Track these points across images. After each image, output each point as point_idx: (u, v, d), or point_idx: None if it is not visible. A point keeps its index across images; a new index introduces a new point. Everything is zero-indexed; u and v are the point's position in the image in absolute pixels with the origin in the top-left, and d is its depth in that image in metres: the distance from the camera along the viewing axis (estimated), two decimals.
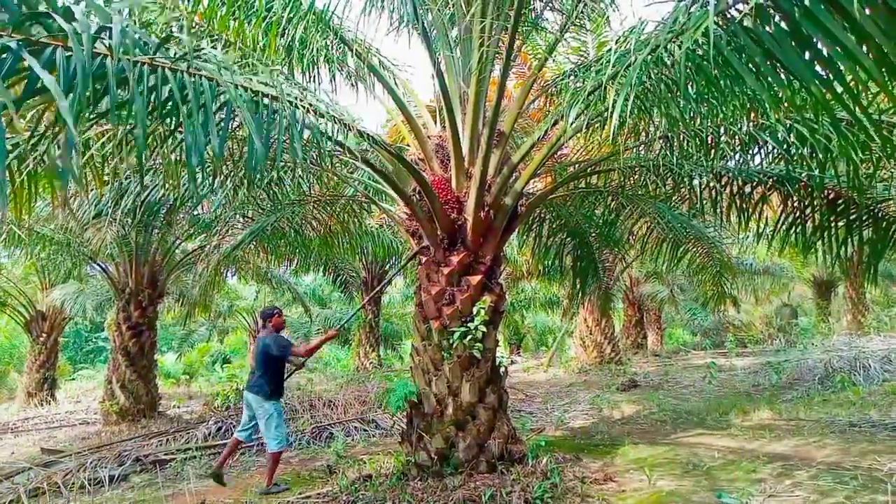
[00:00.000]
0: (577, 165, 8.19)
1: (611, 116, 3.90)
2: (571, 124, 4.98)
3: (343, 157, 8.30)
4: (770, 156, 6.26)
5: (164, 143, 4.36)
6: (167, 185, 7.51)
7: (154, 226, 11.78)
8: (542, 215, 9.44)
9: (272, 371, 6.93)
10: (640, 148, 7.13)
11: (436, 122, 7.75)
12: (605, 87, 4.45)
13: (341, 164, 8.84)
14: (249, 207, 8.90)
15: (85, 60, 3.04)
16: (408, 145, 7.81)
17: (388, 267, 20.26)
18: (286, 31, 6.37)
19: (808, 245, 6.53)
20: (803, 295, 29.04)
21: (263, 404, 6.84)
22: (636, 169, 7.59)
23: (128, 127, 4.24)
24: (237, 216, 9.24)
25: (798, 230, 6.66)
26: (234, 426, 9.54)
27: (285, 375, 7.16)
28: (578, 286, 10.57)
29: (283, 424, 6.87)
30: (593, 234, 9.85)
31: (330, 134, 4.94)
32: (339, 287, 20.27)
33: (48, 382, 17.51)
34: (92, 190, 8.25)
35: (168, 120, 3.84)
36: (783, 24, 3.29)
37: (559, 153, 9.02)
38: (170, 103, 3.63)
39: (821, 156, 5.56)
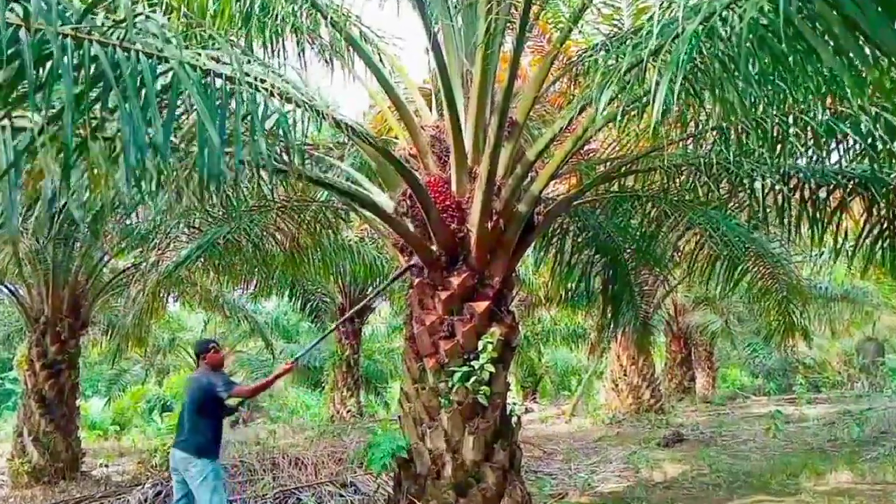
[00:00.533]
0: (608, 164, 8.21)
1: (652, 102, 3.89)
2: (602, 112, 4.98)
3: (316, 153, 8.29)
4: (851, 152, 6.26)
5: (92, 136, 4.35)
6: (94, 188, 7.50)
7: (76, 238, 11.76)
8: (565, 226, 9.46)
9: (207, 420, 6.68)
10: (688, 142, 7.14)
11: (431, 109, 7.78)
12: (646, 65, 4.45)
13: (312, 162, 8.84)
14: (197, 215, 8.89)
15: None
16: (396, 138, 7.83)
17: (370, 290, 20.27)
18: None
19: None
20: (892, 327, 29.02)
21: (195, 463, 6.53)
22: (683, 168, 7.60)
23: (48, 116, 4.23)
24: (181, 226, 9.23)
25: (886, 245, 6.65)
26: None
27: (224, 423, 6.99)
28: (610, 315, 10.56)
29: (222, 490, 6.57)
30: (628, 250, 9.87)
31: (300, 122, 4.93)
32: (309, 315, 20.24)
33: None
34: None
35: (98, 107, 3.83)
36: None
37: (586, 148, 9.04)
38: (99, 85, 3.62)
39: None
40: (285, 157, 7.13)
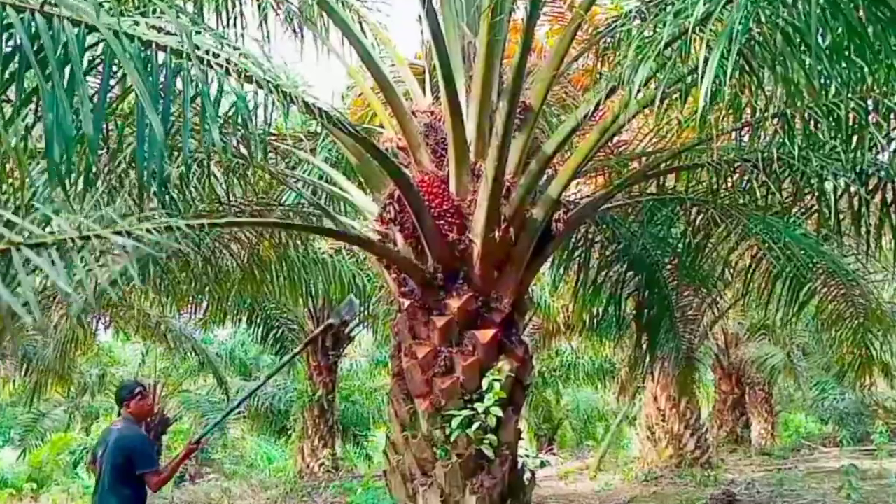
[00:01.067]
0: (644, 159, 8.22)
1: (699, 82, 3.90)
2: (637, 94, 4.97)
3: (282, 145, 8.29)
4: None
5: (5, 125, 4.33)
6: (5, 187, 7.49)
7: None
8: (591, 236, 9.48)
9: (129, 485, 6.73)
10: (743, 133, 7.14)
11: (425, 91, 7.78)
12: (691, 37, 4.45)
13: (277, 156, 8.83)
14: (134, 222, 8.88)
15: None
16: (381, 126, 7.83)
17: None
18: None
19: None
20: None
21: None
22: (736, 165, 7.60)
23: None
24: (114, 235, 9.22)
25: None
26: None
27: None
28: (645, 347, 10.57)
29: None
30: (669, 267, 9.89)
31: (262, 107, 4.93)
32: (273, 346, 20.16)
33: None
34: None
35: (13, 88, 3.81)
36: None
37: (616, 140, 9.03)
38: (15, 61, 3.61)
39: None
40: (244, 150, 7.15)
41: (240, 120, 4.57)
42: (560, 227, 7.28)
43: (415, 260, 6.83)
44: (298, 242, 9.96)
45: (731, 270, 10.06)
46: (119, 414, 7.07)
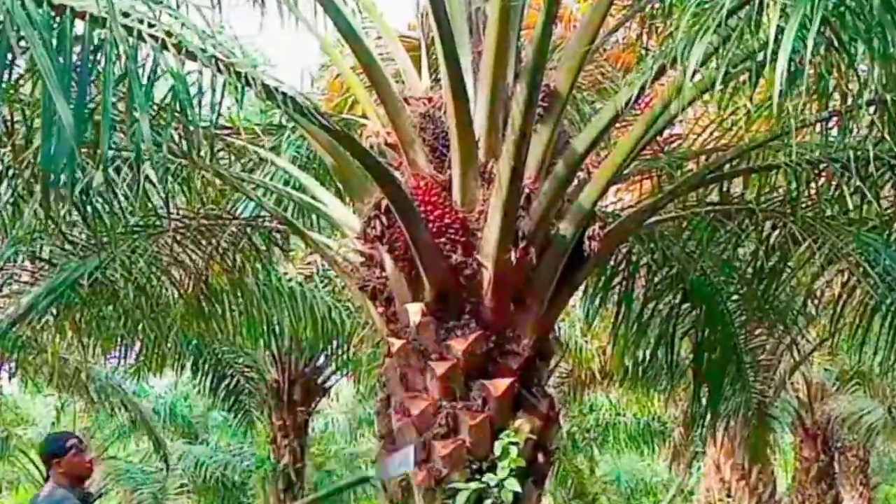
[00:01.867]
0: (703, 159, 8.21)
1: (771, 60, 3.87)
2: (692, 76, 4.96)
3: (236, 140, 8.28)
4: None
5: None
6: None
7: None
8: (635, 258, 9.45)
9: None
10: (830, 125, 7.13)
11: (420, 72, 7.77)
12: (762, 1, 4.43)
13: (230, 156, 8.82)
14: (47, 240, 8.85)
15: None
16: (364, 117, 7.82)
17: (322, 361, 20.20)
18: None
19: None
20: None
21: None
22: (822, 166, 7.59)
23: None
24: (20, 258, 9.18)
25: None
26: None
27: None
28: (704, 400, 10.54)
29: None
30: (735, 298, 9.88)
31: (209, 92, 4.91)
32: (225, 401, 20.15)
33: None
34: None
35: None
36: None
37: (667, 134, 9.01)
38: None
39: None
40: (186, 148, 7.14)
41: (178, 107, 4.54)
42: (595, 247, 7.21)
43: (408, 288, 6.83)
44: (258, 266, 9.92)
45: (816, 302, 10.03)
46: (47, 477, 7.02)
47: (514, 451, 6.40)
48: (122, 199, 8.15)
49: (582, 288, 9.10)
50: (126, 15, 4.25)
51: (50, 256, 9.14)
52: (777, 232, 8.77)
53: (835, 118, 6.96)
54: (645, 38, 8.55)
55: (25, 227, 8.25)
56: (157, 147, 5.71)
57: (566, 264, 6.99)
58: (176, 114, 4.70)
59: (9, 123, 5.87)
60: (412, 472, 6.64)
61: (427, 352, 6.74)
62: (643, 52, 8.41)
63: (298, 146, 9.57)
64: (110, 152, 5.95)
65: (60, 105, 3.65)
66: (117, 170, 7.61)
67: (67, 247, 8.93)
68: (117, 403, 20.27)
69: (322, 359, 20.24)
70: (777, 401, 18.50)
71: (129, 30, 4.17)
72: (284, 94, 5.41)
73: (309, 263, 13.62)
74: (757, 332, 11.35)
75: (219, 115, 5.22)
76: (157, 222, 8.88)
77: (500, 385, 6.60)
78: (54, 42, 3.90)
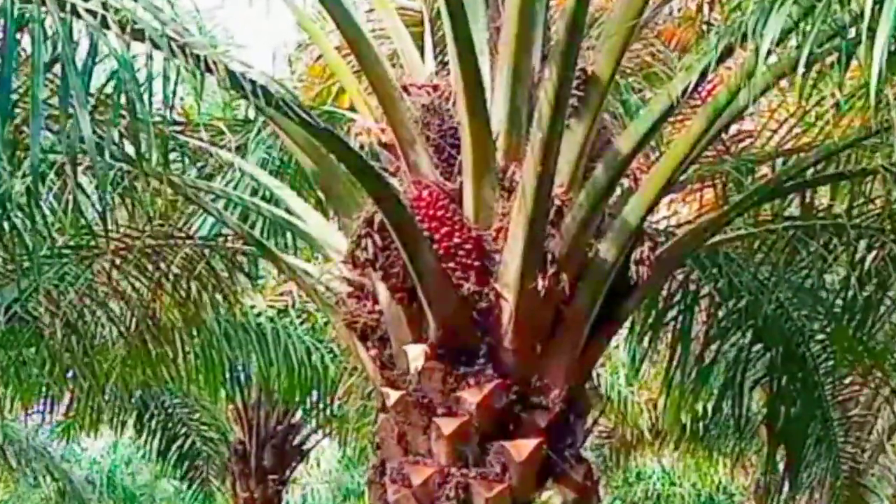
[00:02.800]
0: (780, 163, 8.20)
1: (867, 38, 3.88)
2: (767, 58, 4.95)
3: (191, 139, 8.32)
4: None
5: None
6: None
7: None
8: (693, 287, 9.45)
9: None
10: None
11: (423, 53, 7.78)
12: None
13: (184, 159, 8.84)
14: None
15: None
16: (352, 109, 7.82)
17: (299, 417, 20.18)
18: None
19: None
20: None
21: None
22: None
23: None
24: None
25: None
26: None
27: None
28: (782, 466, 10.47)
29: None
30: (820, 337, 9.85)
31: (160, 79, 4.92)
32: (177, 467, 20.11)
33: None
34: None
35: None
36: None
37: (734, 131, 9.01)
38: None
39: None
40: (131, 150, 7.16)
41: (124, 100, 4.56)
42: (644, 273, 7.18)
43: (407, 326, 6.82)
44: (218, 297, 9.92)
45: None
46: None
47: None
48: (47, 213, 8.19)
49: (627, 325, 9.10)
50: None
51: None
52: (873, 254, 8.77)
53: None
54: (707, 9, 8.58)
55: None
56: (95, 149, 5.72)
57: (607, 295, 6.98)
58: (119, 107, 4.72)
59: None
60: None
61: (432, 405, 6.72)
62: (704, 27, 8.43)
63: (269, 146, 9.58)
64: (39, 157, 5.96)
65: None
66: (42, 177, 7.64)
67: None
68: (41, 470, 20.26)
69: (299, 414, 20.23)
70: (874, 467, 18.43)
71: (61, 3, 4.19)
72: (253, 81, 5.41)
73: (282, 294, 13.65)
74: (848, 380, 11.35)
75: (172, 108, 5.25)
76: (92, 243, 8.89)
77: (523, 447, 6.58)
78: None
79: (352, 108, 7.80)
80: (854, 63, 5.05)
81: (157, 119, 5.42)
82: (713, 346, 9.72)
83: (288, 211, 7.89)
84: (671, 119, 7.18)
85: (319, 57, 9.57)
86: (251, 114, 9.54)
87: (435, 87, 7.21)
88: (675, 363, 9.79)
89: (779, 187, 7.83)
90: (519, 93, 6.78)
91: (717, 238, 8.16)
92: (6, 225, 7.73)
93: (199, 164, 8.83)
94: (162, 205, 9.08)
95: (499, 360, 6.70)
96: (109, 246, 8.93)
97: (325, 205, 7.61)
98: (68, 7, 4.23)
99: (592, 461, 7.36)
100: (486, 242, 6.75)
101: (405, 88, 7.23)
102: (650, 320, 9.64)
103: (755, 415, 10.31)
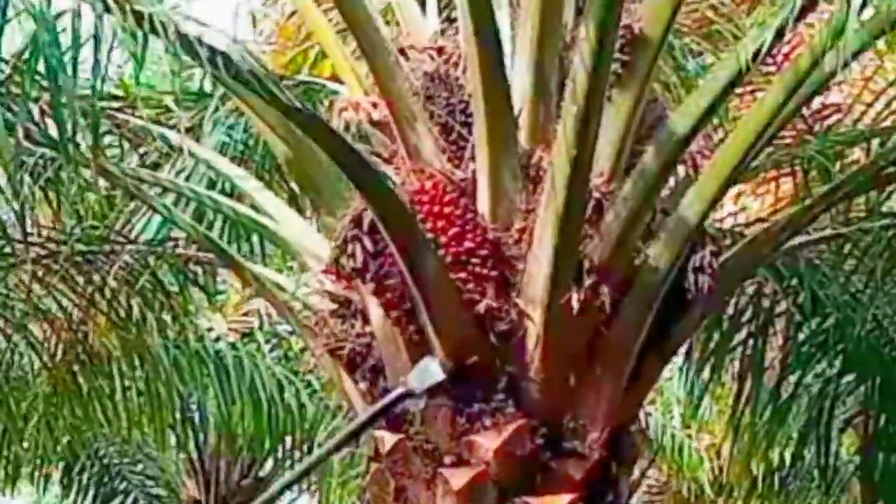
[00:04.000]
0: (874, 144, 8.20)
1: None
2: (859, 11, 4.95)
3: (132, 119, 8.34)
4: None
5: None
6: None
7: None
8: (766, 302, 9.42)
9: None
10: None
11: (424, 7, 7.77)
12: None
13: (122, 143, 8.85)
14: None
15: None
16: (335, 80, 7.82)
17: (270, 469, 20.22)
18: None
19: None
20: None
21: None
22: None
23: None
24: None
25: None
26: None
27: None
28: None
29: None
30: None
31: (91, 44, 4.92)
32: None
33: None
34: None
35: None
36: None
37: (818, 106, 9.02)
38: None
39: None
40: (55, 132, 7.18)
41: (45, 69, 4.57)
42: (705, 285, 7.18)
43: (406, 352, 6.81)
44: (166, 318, 9.90)
45: None
46: None
47: None
48: None
49: (684, 351, 9.08)
50: None
51: None
52: None
53: None
54: None
55: None
56: (7, 130, 5.72)
57: (659, 313, 6.95)
58: (38, 77, 4.72)
59: None
60: None
61: (438, 453, 6.70)
62: None
63: (231, 127, 9.56)
64: None
65: None
66: None
67: None
68: None
69: (269, 466, 20.26)
70: None
71: None
72: (210, 46, 5.41)
73: (247, 314, 13.66)
74: None
75: (106, 79, 5.24)
76: (7, 249, 8.89)
77: None
78: None
79: (335, 78, 7.78)
80: None
81: (87, 92, 5.42)
82: (792, 378, 9.70)
83: (254, 208, 7.86)
84: (739, 90, 7.15)
85: (293, 14, 9.61)
86: (207, 86, 9.49)
87: (440, 51, 7.20)
88: (743, 399, 9.78)
89: (875, 175, 7.79)
90: (547, 56, 6.78)
91: (797, 240, 8.14)
92: None
93: (141, 150, 8.80)
94: (95, 201, 9.08)
95: (522, 396, 6.67)
96: (29, 253, 8.93)
97: (302, 200, 7.59)
98: None
99: None
100: (505, 247, 6.73)
101: (403, 52, 7.23)
102: (712, 345, 9.62)
103: (845, 464, 10.27)
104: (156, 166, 8.72)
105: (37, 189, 8.44)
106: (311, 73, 9.07)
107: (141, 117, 8.98)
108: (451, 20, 7.21)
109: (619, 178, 6.84)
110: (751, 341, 9.60)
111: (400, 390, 6.91)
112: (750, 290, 9.18)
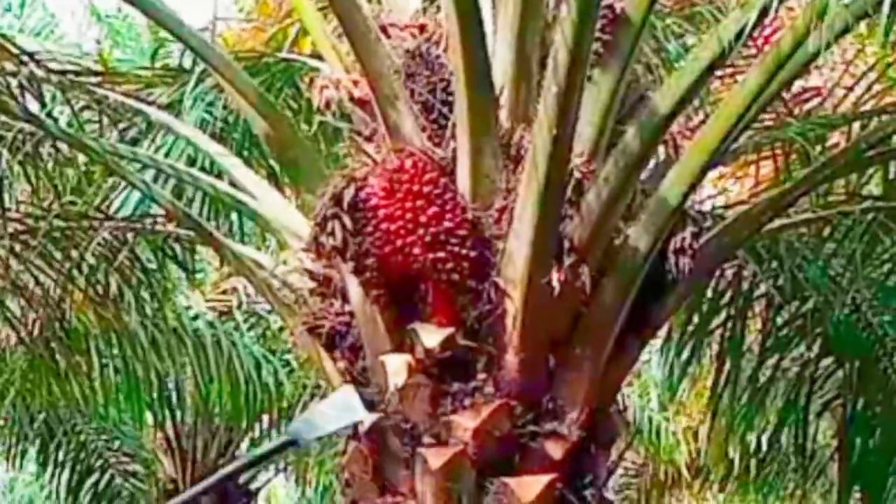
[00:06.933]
0: (857, 128, 8.20)
1: None
2: None
3: (111, 93, 8.34)
4: None
5: None
6: None
7: None
8: (745, 284, 9.45)
9: None
10: None
11: None
12: None
13: (100, 118, 8.83)
14: None
15: None
16: (317, 57, 7.81)
17: (243, 447, 20.20)
18: None
19: None
20: None
21: None
22: None
23: None
24: None
25: None
26: None
27: None
28: None
29: None
30: None
31: (65, 16, 4.90)
32: None
33: None
34: None
35: None
36: None
37: (799, 89, 9.01)
38: None
39: None
40: (35, 106, 7.17)
41: (23, 41, 4.55)
42: (685, 266, 7.17)
43: (385, 331, 6.81)
44: (144, 295, 9.87)
45: None
46: None
47: None
48: None
49: (663, 333, 9.08)
50: None
51: None
52: None
53: None
54: None
55: None
56: None
57: (639, 294, 6.96)
58: (12, 50, 4.70)
59: None
60: None
61: (417, 432, 6.70)
62: None
63: (210, 103, 9.53)
64: None
65: None
66: None
67: None
68: None
69: (245, 444, 20.24)
70: None
71: None
72: (186, 27, 5.39)
73: (226, 292, 13.63)
74: None
75: (83, 54, 5.23)
76: None
77: (531, 486, 6.55)
78: None
79: (315, 55, 7.77)
80: None
81: (67, 67, 5.41)
82: (771, 361, 9.70)
83: (233, 185, 7.85)
84: (721, 72, 7.15)
85: None
86: (187, 62, 9.47)
87: (421, 28, 7.20)
88: (721, 382, 9.79)
89: (855, 159, 7.80)
90: (529, 35, 6.77)
91: (777, 223, 8.14)
92: None
93: (120, 126, 8.77)
94: (74, 177, 9.06)
95: (501, 376, 6.67)
96: (6, 228, 8.91)
97: (281, 178, 7.56)
98: None
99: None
100: (485, 227, 6.72)
101: (384, 29, 7.22)
102: (691, 327, 9.63)
103: (823, 447, 10.27)
104: (135, 142, 8.70)
105: (15, 164, 8.40)
106: (291, 51, 9.04)
107: (121, 92, 8.96)
108: None
109: (599, 158, 6.84)
110: (730, 324, 9.61)
111: (284, 438, 6.94)
112: (729, 272, 9.20)
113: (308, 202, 7.03)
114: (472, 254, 6.63)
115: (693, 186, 6.97)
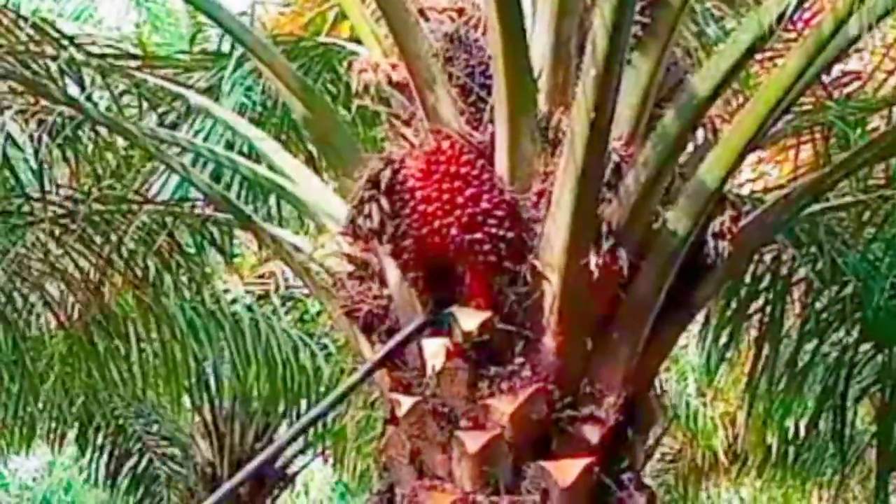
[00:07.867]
0: (895, 111, 8.15)
1: None
2: None
3: (150, 78, 8.34)
4: None
5: None
6: None
7: None
8: (784, 269, 9.40)
9: None
10: None
11: None
12: None
13: (140, 102, 8.83)
14: None
15: None
16: (356, 41, 7.79)
17: (280, 431, 20.19)
18: None
19: None
20: None
21: None
22: None
23: None
24: None
25: None
26: None
27: None
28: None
29: None
30: None
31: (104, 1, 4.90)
32: (132, 492, 20.14)
33: None
34: None
35: None
36: None
37: (839, 72, 8.97)
38: None
39: None
40: (75, 90, 7.16)
41: (64, 26, 4.55)
42: (724, 250, 7.12)
43: (422, 314, 6.77)
44: (183, 279, 9.88)
45: None
46: None
47: None
48: None
49: (701, 318, 9.05)
50: None
51: None
52: None
53: None
54: None
55: None
56: (23, 87, 5.67)
57: (677, 278, 6.92)
58: (52, 34, 4.70)
59: None
60: None
61: (454, 416, 6.69)
62: None
63: (249, 88, 9.52)
64: None
65: None
66: None
67: None
68: None
69: (283, 428, 20.24)
70: None
71: None
72: (223, 9, 5.38)
73: (264, 275, 13.64)
74: None
75: (122, 38, 5.23)
76: (25, 208, 8.87)
77: (569, 470, 6.51)
78: None
79: (354, 40, 7.75)
80: None
81: (106, 51, 5.41)
82: (809, 346, 9.67)
83: (272, 168, 7.83)
84: (760, 55, 7.12)
85: None
86: (225, 46, 9.45)
87: (460, 11, 7.18)
88: (760, 367, 9.75)
89: (895, 142, 7.76)
90: (567, 19, 6.75)
91: (816, 207, 8.10)
92: None
93: (159, 110, 8.77)
94: (113, 160, 9.06)
95: (539, 360, 6.64)
96: (46, 212, 8.92)
97: (319, 161, 7.55)
98: None
99: (655, 489, 7.30)
100: (523, 209, 6.70)
101: (422, 12, 7.19)
102: (729, 312, 9.60)
103: (861, 433, 10.23)
104: (174, 126, 8.70)
105: (55, 148, 8.41)
106: (329, 34, 9.02)
107: (161, 76, 8.97)
108: None
109: (638, 142, 6.80)
110: (768, 308, 9.57)
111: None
112: (768, 257, 9.17)
113: (346, 186, 7.02)
114: (510, 235, 6.58)
115: (732, 170, 6.93)
